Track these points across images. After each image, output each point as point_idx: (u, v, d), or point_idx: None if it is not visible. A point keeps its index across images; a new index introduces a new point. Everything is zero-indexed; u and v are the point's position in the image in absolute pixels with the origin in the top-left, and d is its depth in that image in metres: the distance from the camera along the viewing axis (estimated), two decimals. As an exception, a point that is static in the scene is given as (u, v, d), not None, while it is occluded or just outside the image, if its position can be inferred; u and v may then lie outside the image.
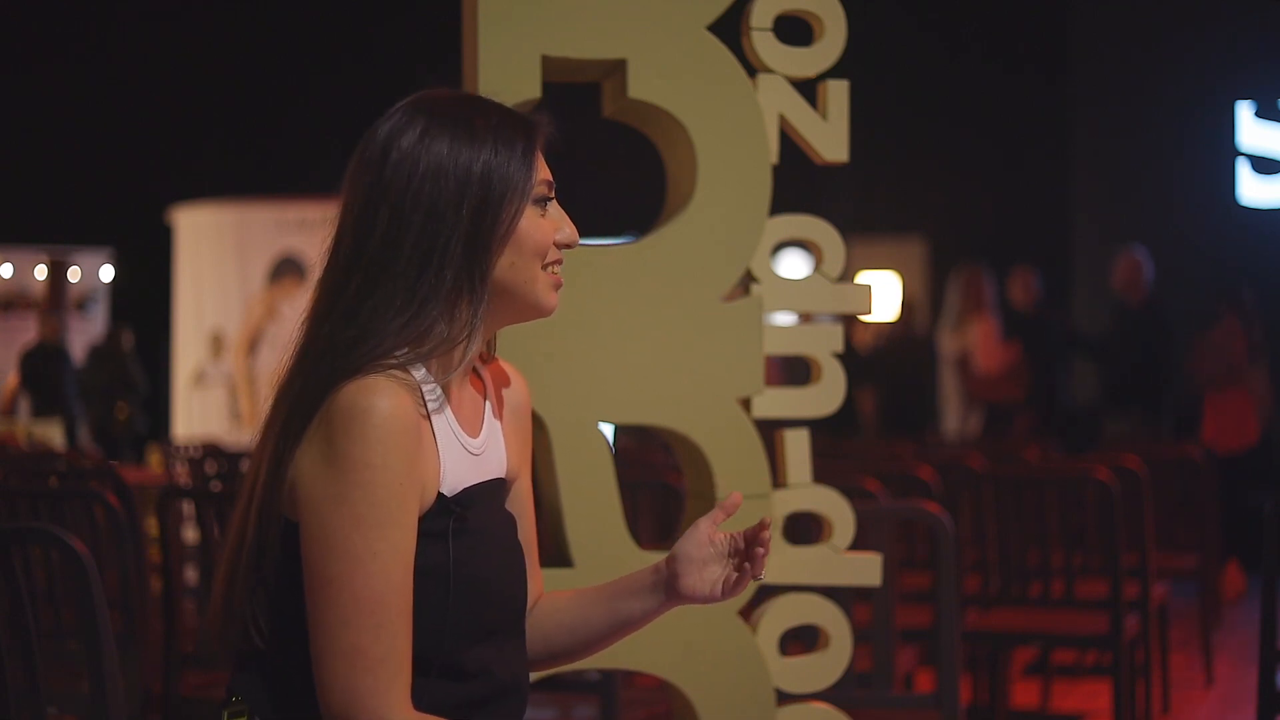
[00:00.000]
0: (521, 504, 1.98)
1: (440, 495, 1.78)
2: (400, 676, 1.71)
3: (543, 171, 1.85)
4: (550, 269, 1.86)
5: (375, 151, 1.80)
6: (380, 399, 1.71)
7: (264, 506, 1.76)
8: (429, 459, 1.77)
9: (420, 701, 1.74)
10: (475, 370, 1.92)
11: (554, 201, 1.88)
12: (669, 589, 1.93)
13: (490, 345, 1.95)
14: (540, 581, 2.02)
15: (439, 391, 1.81)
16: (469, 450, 1.83)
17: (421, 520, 1.75)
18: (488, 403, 1.91)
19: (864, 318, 9.42)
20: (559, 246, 1.87)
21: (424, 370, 1.80)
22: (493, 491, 1.88)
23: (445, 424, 1.81)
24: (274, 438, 1.76)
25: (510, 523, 1.91)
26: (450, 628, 1.77)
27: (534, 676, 2.04)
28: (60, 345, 11.34)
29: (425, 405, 1.78)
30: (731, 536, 1.92)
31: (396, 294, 1.76)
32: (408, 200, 1.77)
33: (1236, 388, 8.51)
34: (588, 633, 1.97)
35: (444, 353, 1.79)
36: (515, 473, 1.95)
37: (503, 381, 1.97)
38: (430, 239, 1.77)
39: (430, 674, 1.76)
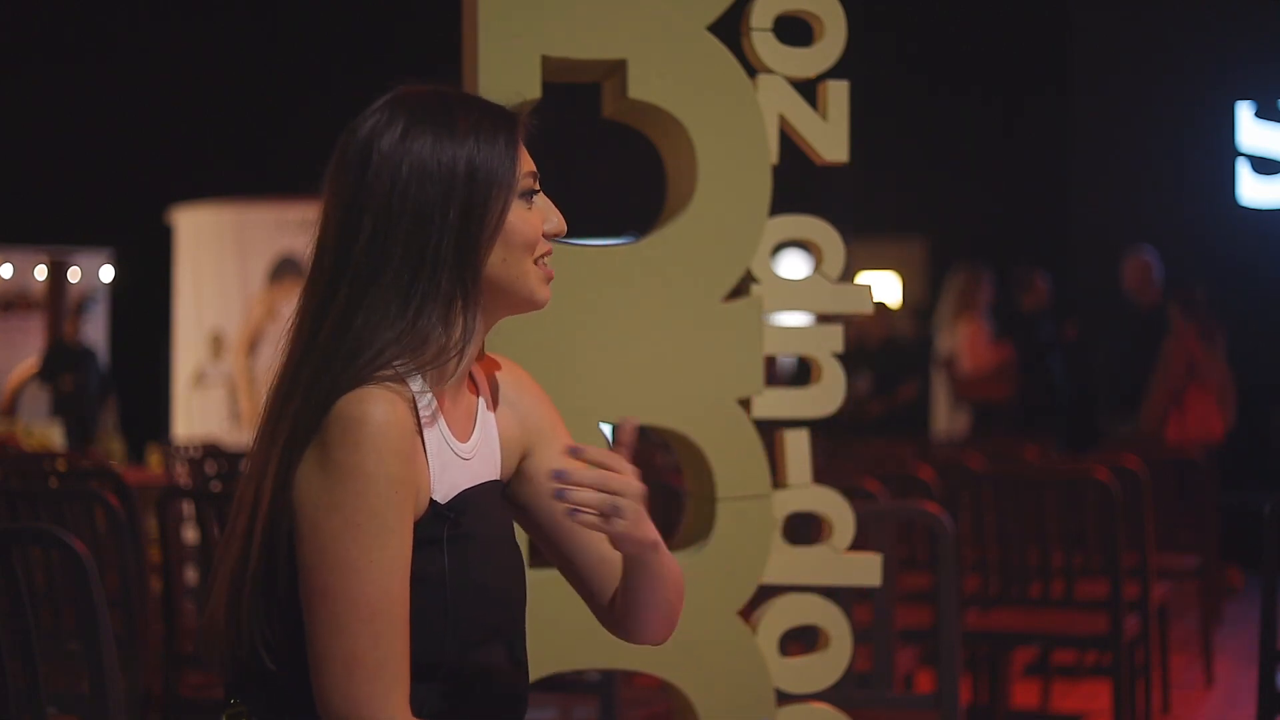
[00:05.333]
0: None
1: (433, 502, 1.77)
2: (399, 683, 1.70)
3: (526, 163, 1.83)
4: (541, 261, 1.85)
5: (354, 155, 1.78)
6: (374, 407, 1.70)
7: (271, 526, 1.73)
8: (421, 467, 1.76)
9: (420, 707, 1.74)
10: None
11: (540, 193, 1.86)
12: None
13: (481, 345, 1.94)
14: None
15: (432, 401, 1.79)
16: (459, 455, 1.82)
17: (416, 528, 1.74)
18: (480, 401, 1.89)
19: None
20: (547, 237, 1.85)
21: (420, 380, 1.78)
22: (487, 494, 1.86)
23: (436, 432, 1.80)
24: (277, 454, 1.73)
25: (507, 523, 1.91)
26: (449, 633, 1.76)
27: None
28: (86, 346, 11.40)
29: (418, 416, 1.77)
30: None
31: (391, 302, 1.74)
32: (393, 205, 1.75)
33: (1196, 387, 8.49)
34: (641, 605, 1.91)
35: (442, 362, 1.78)
36: (510, 471, 1.93)
37: (497, 375, 1.95)
38: (420, 243, 1.75)
39: (429, 679, 1.76)
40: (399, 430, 1.71)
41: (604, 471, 1.74)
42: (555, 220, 1.86)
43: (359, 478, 1.69)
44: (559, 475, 1.73)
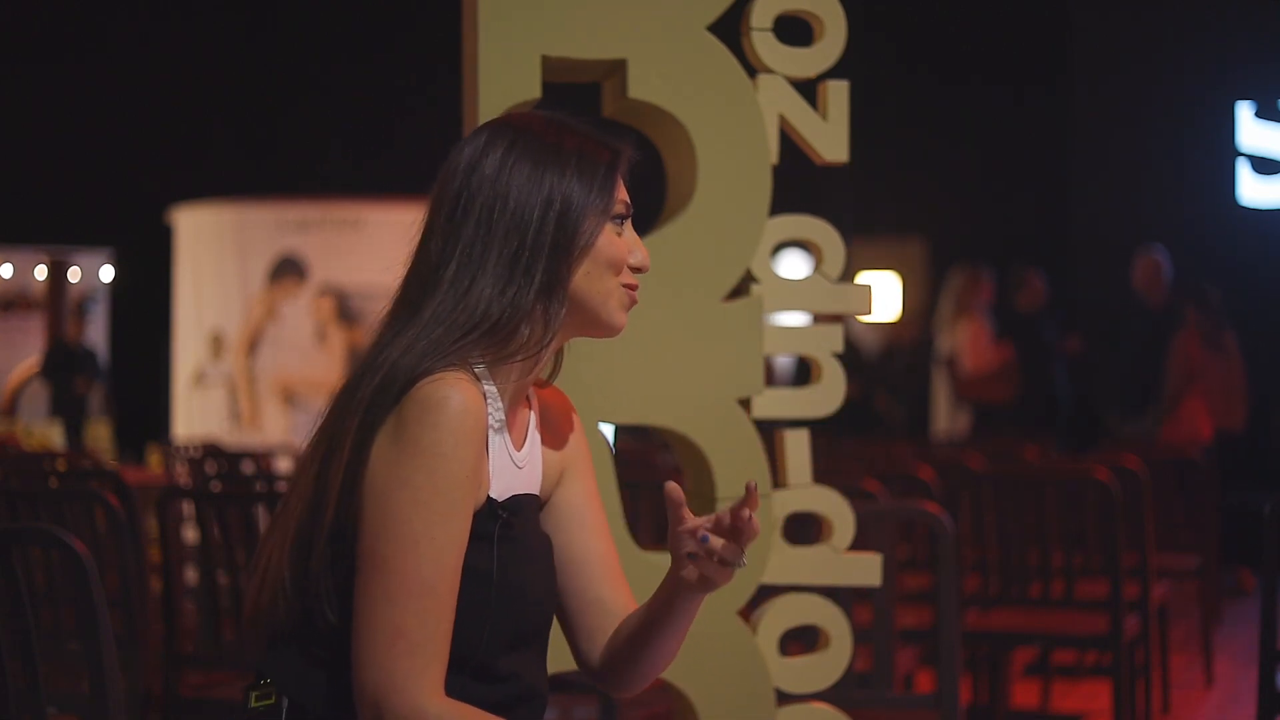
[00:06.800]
0: (584, 514, 1.98)
1: (489, 498, 1.82)
2: (436, 663, 1.73)
3: (621, 193, 1.89)
4: (626, 288, 1.89)
5: (463, 161, 1.86)
6: (454, 391, 1.75)
7: (347, 485, 1.77)
8: (485, 461, 1.81)
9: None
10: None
11: (629, 224, 1.91)
12: (684, 587, 1.88)
13: (556, 363, 1.97)
14: (627, 593, 1.99)
15: (500, 402, 1.84)
16: (514, 462, 1.87)
17: (472, 520, 1.78)
18: (532, 417, 1.94)
19: (863, 318, 9.38)
20: (632, 269, 1.90)
21: (492, 383, 1.83)
22: (531, 504, 1.91)
23: (500, 433, 1.85)
24: (360, 410, 1.77)
25: (544, 537, 1.94)
26: (488, 630, 1.80)
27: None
28: (88, 347, 11.41)
29: (488, 412, 1.81)
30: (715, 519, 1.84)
31: (495, 284, 1.80)
32: (496, 203, 1.82)
33: (1188, 393, 8.48)
34: (654, 654, 1.94)
35: (523, 357, 1.83)
36: (549, 492, 1.98)
37: (549, 400, 2.00)
38: (520, 235, 1.81)
39: (460, 672, 1.78)
40: (475, 418, 1.76)
41: (747, 528, 1.78)
42: (640, 254, 1.92)
43: (433, 456, 1.73)
44: (703, 529, 1.79)
